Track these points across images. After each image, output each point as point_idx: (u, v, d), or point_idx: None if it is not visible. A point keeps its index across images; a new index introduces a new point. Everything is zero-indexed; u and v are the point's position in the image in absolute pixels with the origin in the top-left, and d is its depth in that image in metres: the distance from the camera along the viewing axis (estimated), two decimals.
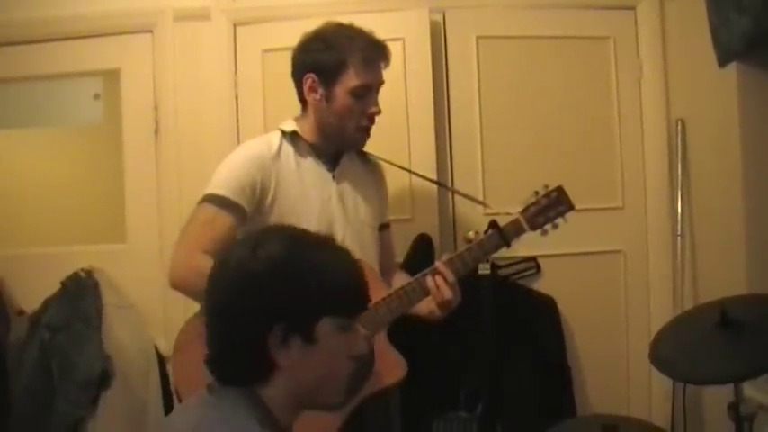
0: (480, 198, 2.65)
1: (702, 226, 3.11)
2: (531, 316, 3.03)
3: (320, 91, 2.25)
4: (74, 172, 3.93)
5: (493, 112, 3.18)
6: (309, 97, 2.28)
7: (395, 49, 3.10)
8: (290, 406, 1.36)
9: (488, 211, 2.68)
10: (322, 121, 2.28)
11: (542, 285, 3.14)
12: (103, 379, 3.05)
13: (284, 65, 3.13)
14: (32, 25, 3.23)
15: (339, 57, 2.21)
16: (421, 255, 3.01)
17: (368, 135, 2.32)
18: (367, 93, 2.24)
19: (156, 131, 3.25)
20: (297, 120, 2.34)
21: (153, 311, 3.16)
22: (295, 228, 1.45)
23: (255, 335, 1.30)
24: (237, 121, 3.18)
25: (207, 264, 1.78)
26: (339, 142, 2.31)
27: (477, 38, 3.18)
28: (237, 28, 3.21)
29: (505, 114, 3.20)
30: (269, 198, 2.21)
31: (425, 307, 2.25)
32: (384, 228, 2.53)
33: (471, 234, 3.00)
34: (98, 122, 3.88)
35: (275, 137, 2.31)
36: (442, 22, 3.18)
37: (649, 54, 3.20)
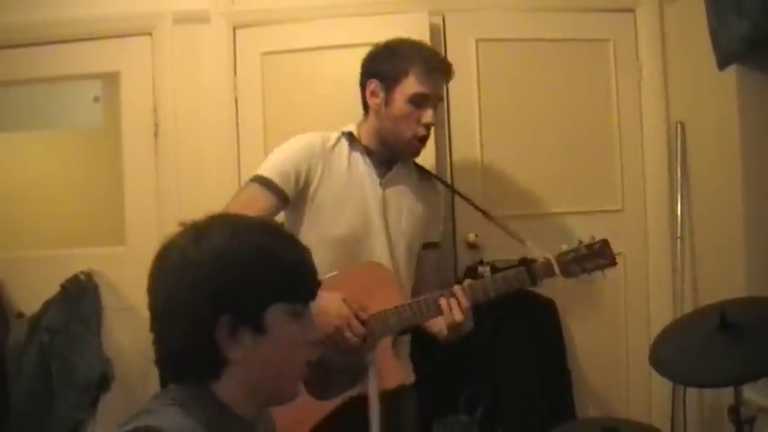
0: (521, 236, 2.62)
1: (702, 229, 3.11)
2: (530, 319, 3.03)
3: (381, 95, 2.31)
4: (73, 175, 3.93)
5: (492, 114, 3.18)
6: (371, 101, 2.34)
7: None
8: (244, 404, 1.31)
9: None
10: (380, 126, 2.34)
11: (542, 288, 3.13)
12: (103, 382, 3.05)
13: (283, 67, 3.15)
14: (32, 28, 3.23)
15: (402, 63, 2.28)
16: None
17: (423, 145, 2.36)
18: (424, 102, 2.28)
19: (156, 134, 3.24)
20: (358, 124, 2.40)
21: None
22: (240, 216, 1.42)
23: (202, 329, 1.25)
24: (237, 123, 3.18)
25: None
26: (394, 148, 2.35)
27: (477, 41, 3.18)
28: (237, 31, 3.21)
29: (505, 117, 3.19)
30: (311, 188, 2.28)
31: (435, 325, 2.26)
32: (429, 246, 2.53)
33: (472, 237, 3.02)
34: (97, 125, 3.89)
35: (335, 134, 2.37)
36: (441, 25, 3.18)
37: (649, 57, 3.20)
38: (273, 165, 2.28)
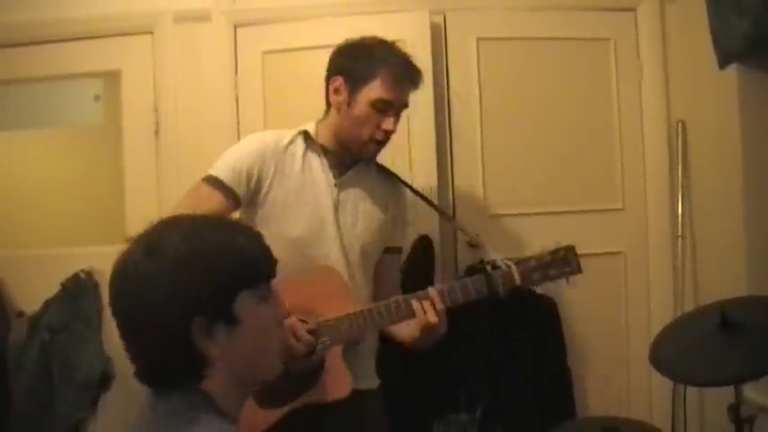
0: (476, 232, 2.55)
1: (703, 228, 3.11)
2: (531, 318, 3.03)
3: (344, 94, 2.22)
4: (74, 173, 3.94)
5: (493, 113, 3.18)
6: (333, 98, 2.26)
7: None
8: (234, 394, 1.33)
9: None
10: (339, 125, 2.25)
11: (542, 287, 3.13)
12: (103, 380, 3.05)
13: (284, 66, 3.15)
14: (33, 27, 3.23)
15: (371, 65, 2.20)
16: (421, 256, 3.01)
17: (379, 148, 2.28)
18: (387, 108, 2.20)
19: (157, 133, 3.25)
20: (318, 122, 2.33)
21: None
22: (185, 216, 1.41)
23: (178, 336, 1.25)
24: (238, 122, 3.19)
25: None
26: (349, 148, 2.26)
27: (478, 39, 3.18)
28: (238, 29, 3.21)
29: (506, 116, 3.20)
30: (263, 189, 2.21)
31: (405, 330, 2.17)
32: (390, 251, 2.42)
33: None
34: (98, 124, 3.90)
35: (290, 133, 2.30)
36: (442, 23, 3.18)
37: (650, 56, 3.20)
38: (225, 165, 2.21)
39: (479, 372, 2.89)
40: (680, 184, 3.13)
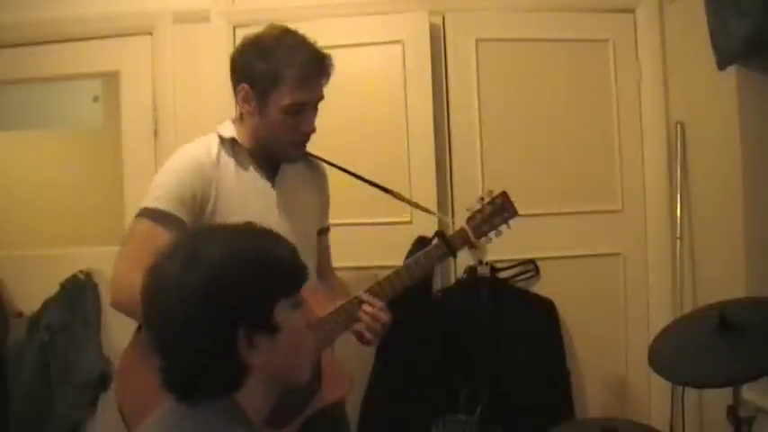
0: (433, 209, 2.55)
1: (702, 229, 3.11)
2: (530, 319, 3.03)
3: (253, 103, 2.09)
4: (73, 174, 3.94)
5: (492, 114, 3.19)
6: (242, 108, 2.13)
7: (394, 51, 3.13)
8: (264, 402, 1.34)
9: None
10: (256, 131, 2.13)
11: (541, 288, 3.14)
12: (102, 381, 3.05)
13: None
14: (32, 27, 3.23)
15: (273, 70, 2.04)
16: None
17: (304, 148, 2.19)
18: (301, 110, 2.08)
19: (156, 133, 3.25)
20: (235, 122, 2.19)
21: None
22: (222, 225, 1.41)
23: (221, 347, 1.25)
24: None
25: None
26: (273, 155, 2.17)
27: (477, 41, 3.18)
28: (237, 30, 3.20)
29: (505, 117, 3.20)
30: (209, 208, 2.07)
31: (355, 329, 2.14)
32: (323, 232, 2.40)
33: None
34: (97, 124, 3.90)
35: (214, 141, 2.16)
36: (441, 24, 3.19)
37: (649, 57, 3.20)
38: (164, 193, 2.04)
39: (479, 372, 2.89)
40: (679, 186, 3.13)
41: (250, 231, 1.38)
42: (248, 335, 1.26)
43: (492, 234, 2.27)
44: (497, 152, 3.18)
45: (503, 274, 3.09)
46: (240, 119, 2.17)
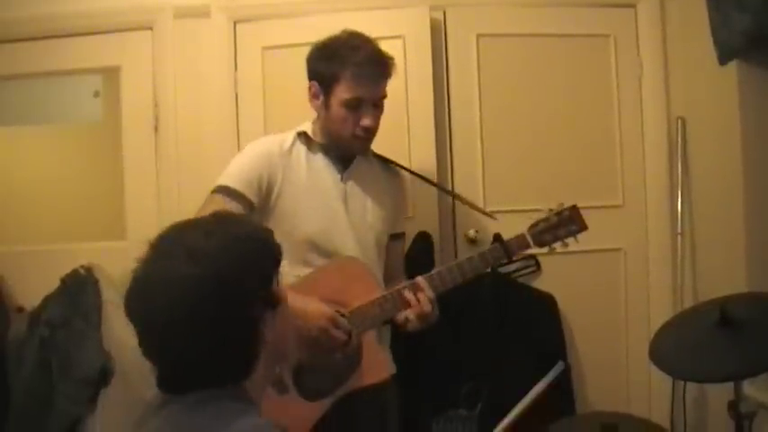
0: (484, 207, 2.67)
1: (702, 224, 3.11)
2: (531, 314, 3.03)
3: (321, 98, 2.30)
4: (74, 169, 3.93)
5: (493, 109, 3.18)
6: (312, 103, 2.33)
7: (395, 46, 3.12)
8: (263, 384, 1.37)
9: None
10: (324, 126, 2.33)
11: (542, 283, 3.14)
12: (103, 376, 3.05)
13: (284, 62, 3.15)
14: (33, 22, 3.23)
15: (334, 68, 2.25)
16: (421, 252, 3.01)
17: (366, 143, 2.35)
18: (360, 105, 2.26)
19: (156, 128, 3.24)
20: (313, 121, 2.39)
21: None
22: (191, 219, 1.42)
23: (238, 331, 1.28)
24: (237, 118, 3.18)
25: None
26: (339, 146, 2.34)
27: (478, 35, 3.18)
28: (237, 25, 3.20)
29: (506, 112, 3.19)
30: (274, 193, 2.26)
31: (401, 316, 2.25)
32: (396, 237, 2.53)
33: (472, 233, 3.02)
34: (98, 120, 3.89)
35: (290, 136, 2.36)
36: (442, 19, 3.18)
37: (650, 52, 3.19)
38: (235, 173, 2.27)
39: (480, 368, 2.89)
40: (680, 181, 3.13)
41: (225, 217, 1.42)
42: (262, 313, 1.31)
43: (557, 245, 2.35)
44: (498, 147, 3.18)
45: (504, 270, 3.08)
46: (318, 116, 2.36)
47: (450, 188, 2.90)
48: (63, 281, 3.13)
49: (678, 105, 3.18)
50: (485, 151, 3.17)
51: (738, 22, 2.45)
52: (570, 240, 2.35)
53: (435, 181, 2.77)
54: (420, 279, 2.24)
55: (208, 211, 2.13)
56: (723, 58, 2.63)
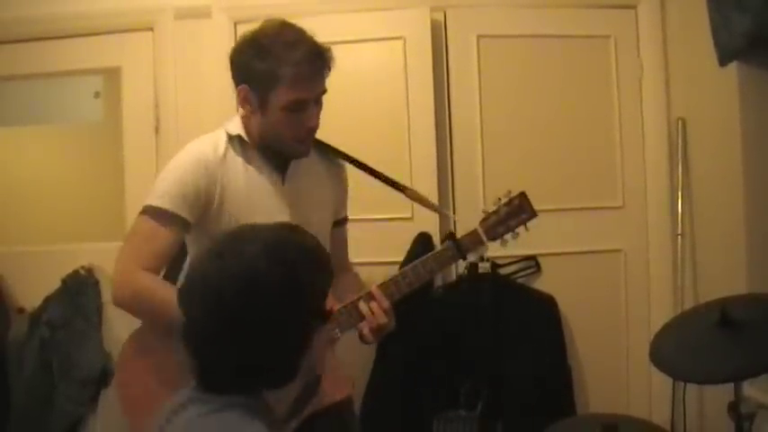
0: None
1: (703, 225, 3.11)
2: (531, 315, 3.03)
3: (254, 104, 2.03)
4: (74, 170, 3.94)
5: (493, 110, 3.19)
6: (243, 108, 2.07)
7: (396, 47, 3.13)
8: (292, 396, 1.39)
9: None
10: (260, 129, 2.07)
11: (542, 284, 3.14)
12: (103, 377, 3.05)
13: None
14: (33, 23, 3.23)
15: (271, 69, 1.97)
16: (420, 253, 3.00)
17: (308, 144, 2.12)
18: (303, 107, 2.01)
19: (157, 129, 3.25)
20: (243, 118, 2.12)
21: None
22: (251, 225, 1.41)
23: (306, 338, 1.32)
24: None
25: (148, 282, 1.80)
26: (279, 150, 2.11)
27: (478, 37, 3.18)
28: (238, 26, 3.20)
29: (506, 113, 3.20)
30: (214, 205, 2.03)
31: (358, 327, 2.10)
32: (339, 223, 2.32)
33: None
34: (98, 120, 3.89)
35: (221, 138, 2.11)
36: (442, 20, 3.18)
37: (650, 53, 3.19)
38: (166, 190, 2.00)
39: (480, 368, 2.89)
40: (680, 182, 3.13)
41: (289, 228, 1.42)
42: (318, 324, 1.34)
43: (508, 236, 2.18)
44: (498, 148, 3.18)
45: (504, 271, 3.09)
46: (245, 116, 2.12)
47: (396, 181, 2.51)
48: (64, 281, 3.14)
49: (678, 106, 3.18)
50: (485, 152, 3.17)
51: (739, 23, 2.45)
52: (521, 230, 2.18)
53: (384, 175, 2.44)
54: (374, 288, 2.07)
55: (138, 239, 2.01)
56: (723, 60, 2.63)
